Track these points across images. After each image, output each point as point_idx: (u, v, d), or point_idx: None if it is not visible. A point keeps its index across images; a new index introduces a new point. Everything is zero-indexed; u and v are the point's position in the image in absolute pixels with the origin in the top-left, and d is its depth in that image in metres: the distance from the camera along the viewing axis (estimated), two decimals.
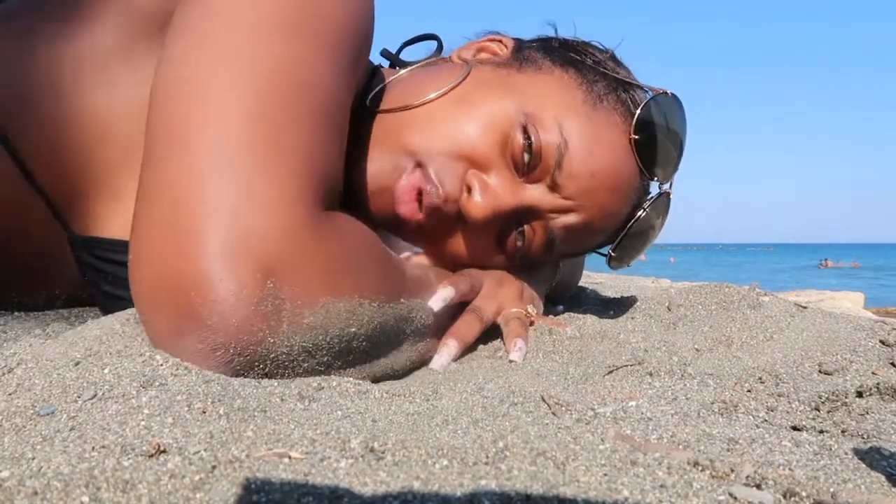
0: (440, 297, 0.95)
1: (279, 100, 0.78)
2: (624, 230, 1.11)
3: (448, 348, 0.96)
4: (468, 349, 1.02)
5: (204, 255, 0.70)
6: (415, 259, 1.06)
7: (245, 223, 0.71)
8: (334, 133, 0.85)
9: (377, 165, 0.99)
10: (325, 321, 0.75)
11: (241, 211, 0.72)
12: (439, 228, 1.02)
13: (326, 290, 0.75)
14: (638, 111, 1.04)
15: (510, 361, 0.97)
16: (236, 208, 0.72)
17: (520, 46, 1.12)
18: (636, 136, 1.04)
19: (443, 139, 0.98)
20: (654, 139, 1.06)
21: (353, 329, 0.78)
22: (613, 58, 1.14)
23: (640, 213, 1.10)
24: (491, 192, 0.98)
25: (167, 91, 0.78)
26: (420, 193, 0.98)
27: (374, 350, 0.83)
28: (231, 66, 0.78)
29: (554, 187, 1.01)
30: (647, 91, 1.09)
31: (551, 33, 1.20)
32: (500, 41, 1.14)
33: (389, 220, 1.00)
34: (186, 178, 0.73)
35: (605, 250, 1.17)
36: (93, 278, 1.03)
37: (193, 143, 0.74)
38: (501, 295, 1.08)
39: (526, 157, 0.99)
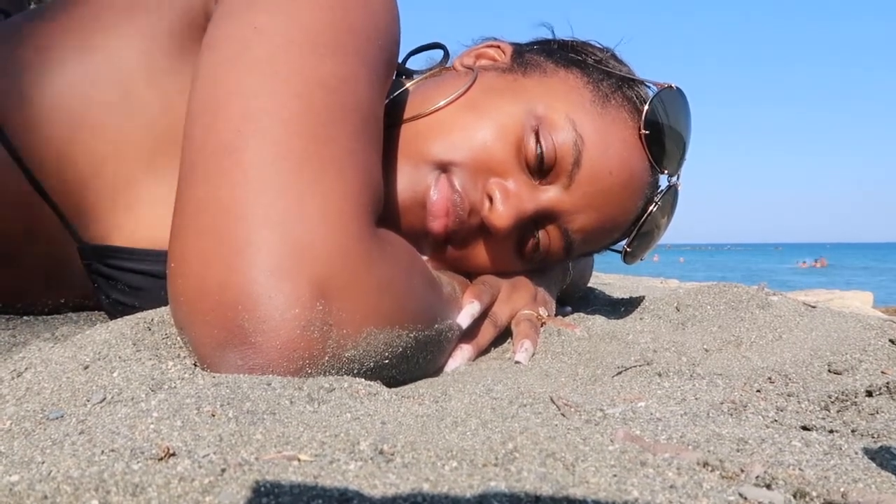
0: (467, 314, 0.96)
1: (328, 115, 0.78)
2: (637, 226, 1.11)
3: (462, 353, 0.97)
4: (481, 353, 1.02)
5: (252, 269, 0.70)
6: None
7: (296, 238, 0.71)
8: (376, 147, 0.85)
9: (404, 181, 0.99)
10: (364, 354, 0.75)
11: (293, 225, 0.71)
12: (460, 240, 1.02)
13: (372, 317, 0.75)
14: (646, 107, 1.05)
15: (516, 362, 0.97)
16: (287, 222, 0.71)
17: (519, 51, 1.12)
18: (646, 132, 1.04)
19: (460, 149, 0.98)
20: (663, 134, 1.06)
21: (387, 361, 0.78)
22: (614, 56, 1.14)
23: (652, 207, 1.10)
24: (512, 199, 0.98)
25: (212, 103, 0.78)
26: (451, 208, 0.98)
27: (400, 375, 0.83)
28: (279, 81, 0.77)
29: (570, 187, 1.01)
30: (650, 86, 1.10)
31: (548, 36, 1.20)
32: (498, 47, 1.14)
33: (414, 233, 1.00)
34: (236, 191, 0.72)
35: (618, 247, 1.18)
36: (103, 286, 1.04)
37: (243, 157, 0.74)
38: (515, 299, 1.08)
39: (540, 160, 0.99)
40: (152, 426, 0.54)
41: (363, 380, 0.72)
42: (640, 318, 1.24)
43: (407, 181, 0.99)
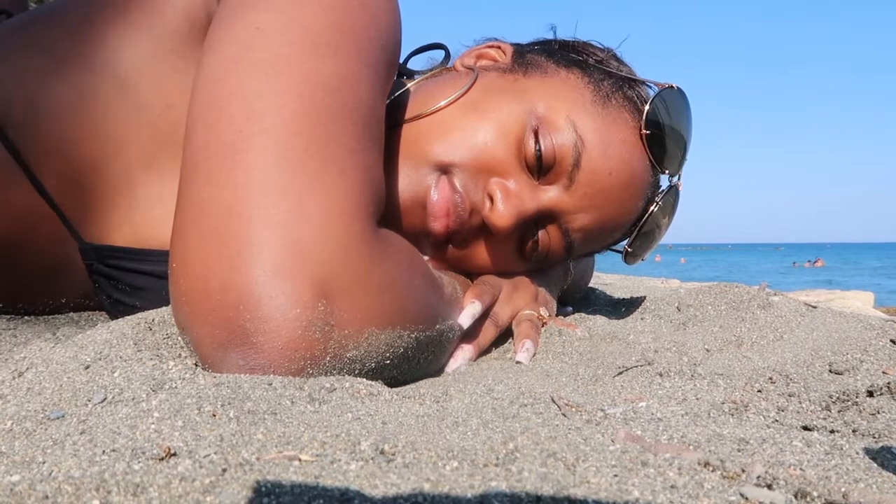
0: (468, 315, 0.96)
1: (329, 116, 0.78)
2: (638, 226, 1.11)
3: (464, 353, 0.97)
4: (482, 353, 1.02)
5: (254, 269, 0.70)
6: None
7: (298, 238, 0.71)
8: (378, 147, 0.85)
9: (405, 181, 0.99)
10: (365, 355, 0.75)
11: (294, 225, 0.71)
12: (461, 241, 1.02)
13: (374, 317, 0.75)
14: (646, 107, 1.04)
15: (517, 362, 0.97)
16: (289, 222, 0.71)
17: (520, 51, 1.12)
18: (647, 132, 1.04)
19: (460, 149, 0.98)
20: (664, 134, 1.06)
21: (388, 361, 0.78)
22: (615, 56, 1.14)
23: (652, 208, 1.10)
24: (513, 199, 0.98)
25: (214, 103, 0.78)
26: (451, 209, 0.98)
27: (401, 375, 0.83)
28: (280, 81, 0.77)
29: (571, 187, 1.01)
30: (651, 86, 1.10)
31: (549, 36, 1.20)
32: (499, 47, 1.14)
33: (415, 233, 0.99)
34: (238, 191, 0.72)
35: (619, 247, 1.17)
36: (104, 287, 1.04)
37: (246, 158, 0.73)
38: (516, 299, 1.08)
39: (539, 160, 0.99)
40: (153, 426, 0.54)
41: (364, 380, 0.72)
42: (641, 319, 1.24)
43: (408, 182, 0.99)
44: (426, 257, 1.02)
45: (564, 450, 0.51)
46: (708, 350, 1.02)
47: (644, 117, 1.04)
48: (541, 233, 1.05)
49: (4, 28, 1.05)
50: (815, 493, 0.47)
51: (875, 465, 0.55)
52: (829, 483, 0.50)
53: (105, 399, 0.64)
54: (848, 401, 0.75)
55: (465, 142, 0.98)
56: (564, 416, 0.67)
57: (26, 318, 1.09)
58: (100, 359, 0.71)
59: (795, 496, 0.47)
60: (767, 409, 0.74)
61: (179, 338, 0.77)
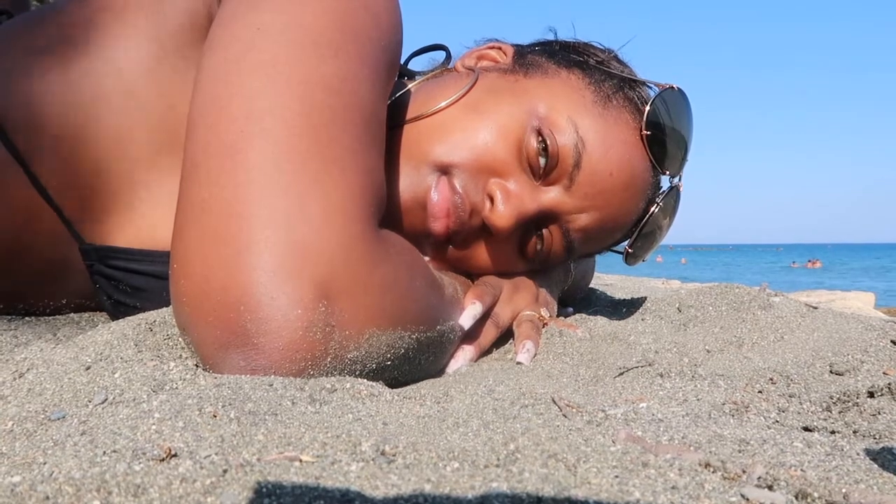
0: (469, 316, 0.96)
1: (329, 116, 0.78)
2: (639, 227, 1.11)
3: (464, 353, 0.96)
4: (482, 353, 1.02)
5: (255, 270, 0.70)
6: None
7: (299, 238, 0.71)
8: (378, 148, 0.85)
9: (405, 182, 0.99)
10: (366, 356, 0.75)
11: (295, 226, 0.71)
12: (461, 241, 1.02)
13: (375, 318, 0.75)
14: (647, 108, 1.04)
15: (517, 363, 0.97)
16: (290, 223, 0.71)
17: (521, 52, 1.12)
18: (647, 133, 1.04)
19: (461, 150, 0.98)
20: (665, 135, 1.06)
21: (389, 362, 0.78)
22: (616, 57, 1.14)
23: (653, 208, 1.10)
24: (513, 200, 0.98)
25: (215, 103, 0.78)
26: (451, 209, 0.98)
27: (402, 376, 0.83)
28: (280, 82, 0.77)
29: (571, 188, 1.00)
30: (652, 87, 1.10)
31: (550, 37, 1.20)
32: (500, 48, 1.14)
33: (415, 234, 0.99)
34: (238, 191, 0.72)
35: (620, 248, 1.17)
36: (104, 287, 1.04)
37: (247, 158, 0.73)
38: (517, 299, 1.08)
39: (542, 160, 0.99)
40: (154, 427, 0.54)
41: (365, 381, 0.72)
42: (642, 319, 1.24)
43: (408, 182, 0.99)
44: (427, 258, 1.02)
45: (565, 450, 0.51)
46: (708, 351, 1.02)
47: (645, 118, 1.04)
48: (542, 233, 1.05)
49: (5, 28, 1.05)
50: (815, 494, 0.47)
51: (876, 465, 0.55)
52: (829, 484, 0.50)
53: (106, 400, 0.64)
54: (849, 401, 0.75)
55: (466, 142, 0.98)
56: (565, 416, 0.67)
57: (27, 318, 1.09)
58: (100, 359, 0.71)
59: (796, 497, 0.47)
60: (768, 409, 0.74)
61: (180, 338, 0.77)
